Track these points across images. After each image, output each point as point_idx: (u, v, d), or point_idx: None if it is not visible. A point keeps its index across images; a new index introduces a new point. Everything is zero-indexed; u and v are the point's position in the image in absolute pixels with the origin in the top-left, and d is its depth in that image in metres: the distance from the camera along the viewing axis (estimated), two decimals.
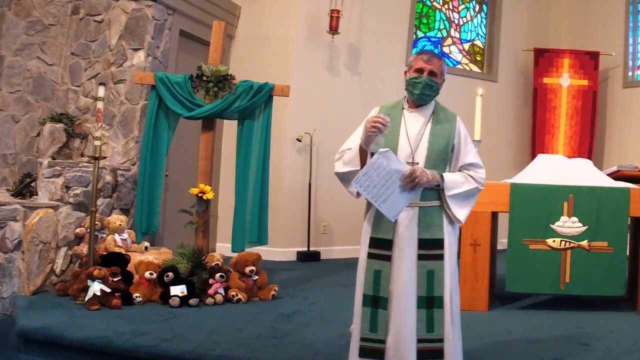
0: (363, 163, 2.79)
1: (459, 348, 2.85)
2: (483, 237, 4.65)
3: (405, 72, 2.90)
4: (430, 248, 2.77)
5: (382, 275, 2.77)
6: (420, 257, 2.76)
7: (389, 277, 2.76)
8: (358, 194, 2.76)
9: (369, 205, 2.85)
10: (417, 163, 2.77)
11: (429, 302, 2.75)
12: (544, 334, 4.01)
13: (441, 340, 2.74)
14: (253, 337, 3.77)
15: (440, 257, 2.78)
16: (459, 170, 2.87)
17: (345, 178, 2.86)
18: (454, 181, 2.80)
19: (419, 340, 2.73)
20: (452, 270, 2.81)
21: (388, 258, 2.78)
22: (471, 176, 2.85)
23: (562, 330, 4.10)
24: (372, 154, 2.77)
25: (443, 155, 2.82)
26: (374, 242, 2.81)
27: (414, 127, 2.83)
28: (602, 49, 8.36)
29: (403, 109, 2.90)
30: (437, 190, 2.79)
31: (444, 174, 2.79)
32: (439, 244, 2.78)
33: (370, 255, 2.81)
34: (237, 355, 3.43)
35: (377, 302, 2.77)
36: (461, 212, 2.81)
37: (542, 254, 4.55)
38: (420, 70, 2.83)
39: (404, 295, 2.74)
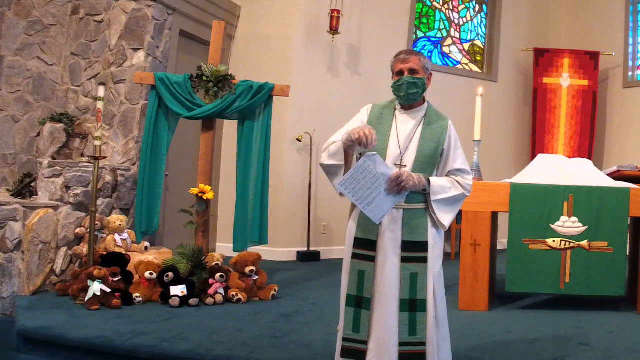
0: (346, 159, 2.78)
1: (445, 352, 2.82)
2: (483, 237, 4.65)
3: (392, 79, 2.89)
4: (413, 250, 2.75)
5: (366, 276, 2.76)
6: (404, 260, 2.75)
7: (373, 278, 2.76)
8: (342, 194, 2.73)
9: (354, 205, 2.84)
10: (405, 166, 2.76)
11: (412, 305, 2.73)
12: (544, 334, 4.01)
13: (423, 344, 2.72)
14: (253, 337, 3.77)
15: (424, 259, 2.76)
16: (446, 175, 2.85)
17: (329, 171, 2.83)
18: (441, 186, 2.78)
19: (401, 344, 2.71)
20: (437, 273, 2.78)
21: (372, 259, 2.77)
22: (458, 182, 2.83)
23: (562, 330, 4.10)
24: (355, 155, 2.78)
25: (431, 159, 2.80)
26: (359, 243, 2.80)
27: (405, 129, 2.82)
28: (602, 49, 8.36)
29: (395, 110, 2.89)
30: (422, 194, 2.77)
31: (431, 179, 2.77)
32: (422, 246, 2.76)
33: (354, 256, 2.81)
34: (237, 355, 3.44)
35: (360, 302, 2.77)
36: (446, 217, 2.79)
37: (542, 254, 4.55)
38: (400, 73, 2.82)
39: (386, 298, 2.73)
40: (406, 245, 2.75)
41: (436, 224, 2.80)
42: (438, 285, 2.79)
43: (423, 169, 2.78)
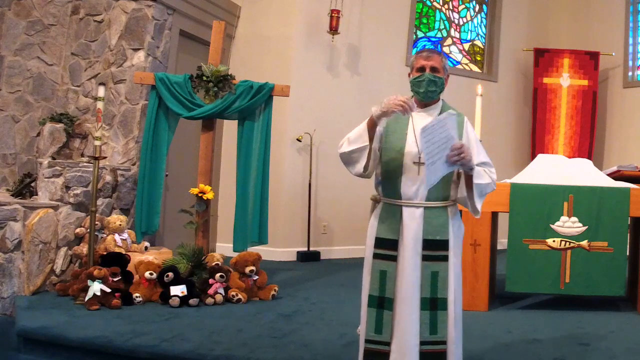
0: (370, 141, 2.77)
1: (459, 350, 2.82)
2: (483, 237, 4.64)
3: (409, 75, 2.89)
4: (434, 249, 2.75)
5: (388, 275, 2.74)
6: (425, 258, 2.74)
7: (395, 277, 2.74)
8: (365, 169, 2.74)
9: (375, 203, 2.84)
10: (424, 163, 2.74)
11: (433, 304, 2.72)
12: (544, 334, 4.01)
13: (444, 342, 2.71)
14: (253, 337, 3.77)
15: (445, 258, 2.76)
16: None
17: (350, 158, 2.80)
18: (478, 171, 2.78)
19: (422, 343, 2.69)
20: (457, 271, 2.78)
21: (393, 258, 2.75)
22: (487, 173, 2.84)
23: (562, 330, 4.10)
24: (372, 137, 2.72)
25: None
26: (379, 242, 2.79)
27: (422, 126, 2.82)
28: (602, 49, 8.36)
29: None
30: (442, 191, 2.77)
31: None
32: (443, 245, 2.76)
33: (375, 256, 2.79)
34: (237, 355, 3.44)
35: (382, 303, 2.75)
36: (479, 204, 2.80)
37: (542, 253, 4.55)
38: (422, 69, 2.82)
39: (408, 297, 2.71)
40: (427, 244, 2.74)
41: (456, 222, 2.81)
42: (457, 283, 2.80)
43: None
